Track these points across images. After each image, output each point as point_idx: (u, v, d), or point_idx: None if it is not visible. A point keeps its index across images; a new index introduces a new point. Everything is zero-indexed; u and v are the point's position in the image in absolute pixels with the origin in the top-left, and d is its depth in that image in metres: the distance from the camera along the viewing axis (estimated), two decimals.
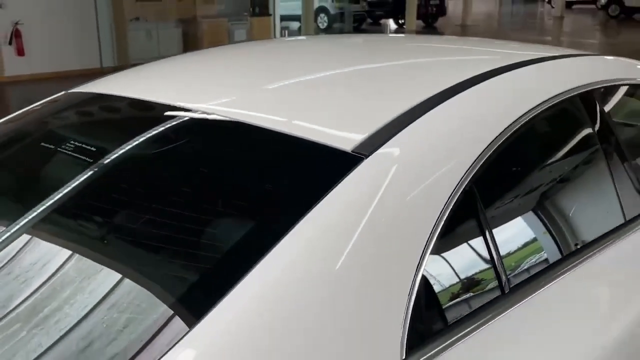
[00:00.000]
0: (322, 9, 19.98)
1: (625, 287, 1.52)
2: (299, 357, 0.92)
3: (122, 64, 10.93)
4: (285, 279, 0.98)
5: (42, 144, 1.63)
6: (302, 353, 0.92)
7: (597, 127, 1.65)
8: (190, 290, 1.07)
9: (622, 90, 1.89)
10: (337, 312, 0.98)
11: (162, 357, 0.88)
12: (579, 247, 1.50)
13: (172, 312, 1.01)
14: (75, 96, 1.77)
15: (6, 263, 1.17)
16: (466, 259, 1.25)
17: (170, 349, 0.89)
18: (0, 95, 9.86)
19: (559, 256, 1.45)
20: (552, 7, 29.48)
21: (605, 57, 2.07)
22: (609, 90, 1.77)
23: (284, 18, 15.74)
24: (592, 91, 1.65)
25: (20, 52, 10.49)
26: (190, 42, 12.07)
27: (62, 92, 1.86)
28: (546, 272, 1.35)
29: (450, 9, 25.76)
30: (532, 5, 40.40)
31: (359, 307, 1.01)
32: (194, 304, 1.01)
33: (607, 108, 1.70)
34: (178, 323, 0.97)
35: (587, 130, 1.66)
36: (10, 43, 10.40)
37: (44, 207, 1.25)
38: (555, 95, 1.51)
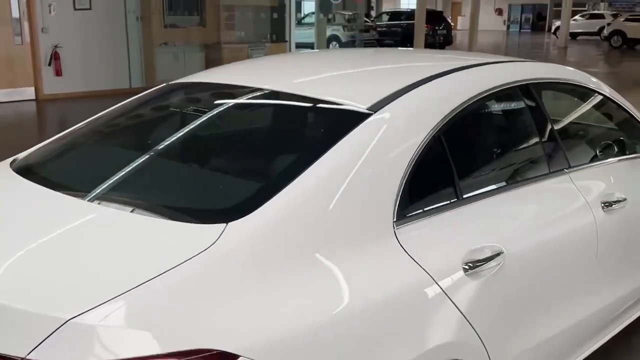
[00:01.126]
0: (334, 37, 20.98)
1: (540, 203, 2.31)
2: (321, 221, 1.66)
3: (150, 85, 11.82)
4: (324, 176, 1.74)
5: (164, 109, 2.52)
6: (322, 221, 1.66)
7: (528, 105, 2.44)
8: (264, 185, 1.84)
9: (548, 84, 2.69)
10: (349, 200, 1.73)
11: (251, 212, 1.60)
12: (511, 179, 2.30)
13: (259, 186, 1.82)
14: (174, 85, 2.60)
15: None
16: (434, 175, 2.03)
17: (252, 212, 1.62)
18: (40, 111, 10.76)
19: (498, 183, 2.24)
20: (557, 38, 30.39)
21: (537, 62, 2.89)
22: (539, 83, 2.56)
23: (298, 45, 16.69)
24: (526, 84, 2.45)
25: (58, 72, 11.42)
26: (213, 66, 12.95)
27: (164, 84, 2.67)
28: (489, 191, 2.14)
29: (457, 39, 26.75)
30: (539, 35, 41.47)
31: (366, 193, 1.78)
32: (269, 189, 1.75)
33: (537, 95, 2.49)
34: (262, 194, 1.72)
35: (521, 105, 2.46)
36: (49, 64, 11.34)
37: (179, 134, 2.18)
38: (499, 85, 2.32)
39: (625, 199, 2.62)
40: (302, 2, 21.44)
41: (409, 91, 2.06)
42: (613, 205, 2.55)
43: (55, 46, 11.29)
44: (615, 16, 30.82)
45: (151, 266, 1.44)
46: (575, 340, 2.48)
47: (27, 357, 1.27)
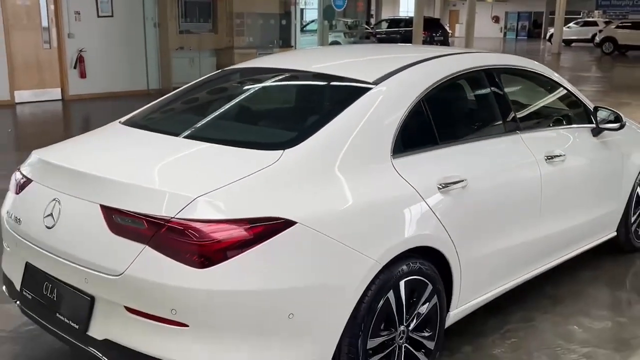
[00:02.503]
0: (335, 43, 21.93)
1: (496, 151, 3.23)
2: (341, 151, 2.55)
3: (166, 87, 12.76)
4: (345, 124, 2.64)
5: (227, 82, 3.53)
6: (342, 151, 2.55)
7: (489, 83, 3.34)
8: (305, 128, 2.72)
9: (505, 68, 3.59)
10: (361, 139, 2.62)
11: (298, 144, 2.52)
12: (474, 134, 3.23)
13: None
14: (228, 70, 3.52)
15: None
16: (419, 126, 2.91)
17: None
18: (67, 110, 11.67)
19: (464, 135, 3.16)
20: (552, 44, 31.36)
21: (496, 53, 3.82)
22: (497, 68, 3.46)
23: None
24: (488, 68, 3.36)
25: (83, 75, 12.35)
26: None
27: (220, 70, 3.58)
28: (457, 140, 3.05)
29: (455, 45, 27.67)
30: (534, 42, 42.48)
31: (373, 135, 2.67)
32: (308, 131, 2.64)
33: (497, 77, 3.39)
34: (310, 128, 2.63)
35: (484, 83, 3.35)
36: (75, 67, 12.27)
37: (243, 98, 3.18)
38: (464, 69, 3.23)
39: (564, 155, 3.52)
40: (305, 10, 22.38)
41: (401, 71, 2.97)
42: (554, 158, 3.45)
43: (80, 50, 12.24)
44: (607, 23, 31.78)
45: (241, 172, 2.34)
46: (524, 257, 3.37)
47: (175, 217, 2.16)
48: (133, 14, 12.94)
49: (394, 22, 28.52)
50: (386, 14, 41.73)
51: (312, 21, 18.14)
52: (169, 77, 13.18)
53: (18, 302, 2.73)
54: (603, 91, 15.31)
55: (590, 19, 38.45)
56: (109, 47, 12.63)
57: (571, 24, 36.41)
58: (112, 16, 12.59)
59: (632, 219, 4.33)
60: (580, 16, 41.50)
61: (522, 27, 50.65)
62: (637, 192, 4.32)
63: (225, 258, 2.14)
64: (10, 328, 3.38)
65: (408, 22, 25.84)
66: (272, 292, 2.21)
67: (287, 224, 2.23)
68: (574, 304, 3.73)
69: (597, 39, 29.63)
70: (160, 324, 2.17)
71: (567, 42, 35.32)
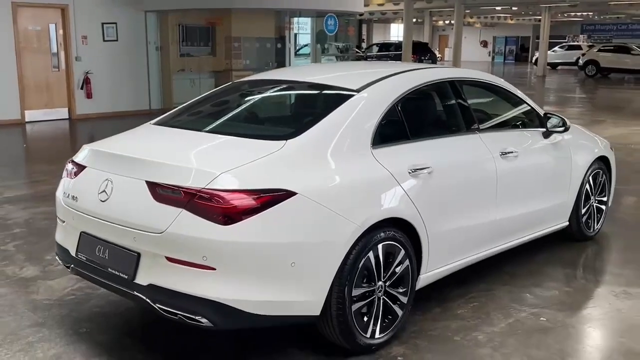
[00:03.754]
0: None
1: (457, 146, 3.94)
2: (332, 142, 3.26)
3: (167, 107, 13.49)
4: (334, 122, 3.35)
5: (238, 91, 4.24)
6: (332, 142, 3.26)
7: (452, 91, 4.07)
8: (302, 125, 3.42)
9: (466, 80, 4.33)
10: (346, 133, 3.33)
11: (297, 136, 3.22)
12: (439, 131, 3.96)
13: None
14: (237, 82, 4.26)
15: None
16: (393, 125, 3.61)
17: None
18: (74, 128, 12.37)
19: (431, 133, 3.88)
20: (537, 67, 32.40)
21: (458, 68, 4.58)
22: (460, 79, 4.20)
23: None
24: (451, 79, 4.10)
25: (89, 95, 13.08)
26: None
27: (230, 82, 4.31)
28: (425, 136, 3.76)
29: None
30: (521, 66, 43.66)
31: (356, 130, 3.38)
32: (304, 127, 3.35)
33: (459, 86, 4.12)
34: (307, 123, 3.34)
35: (447, 91, 4.07)
36: (81, 88, 13.00)
37: (251, 102, 3.90)
38: (431, 80, 3.98)
39: (517, 152, 4.24)
40: (299, 35, 23.25)
41: (379, 81, 3.70)
42: (508, 154, 4.17)
43: (87, 72, 12.98)
44: (590, 47, 32.88)
45: (253, 156, 3.04)
46: (483, 236, 4.06)
47: (204, 188, 2.85)
48: (136, 39, 13.72)
49: (384, 46, 29.56)
50: (377, 39, 42.84)
51: (306, 45, 18.98)
52: (170, 98, 13.92)
53: (72, 266, 3.40)
54: (580, 110, 16.14)
55: (575, 43, 39.64)
56: (113, 69, 13.38)
57: (556, 48, 37.54)
58: (116, 40, 13.36)
59: (582, 211, 5.04)
60: (566, 40, 42.77)
61: (509, 51, 52.02)
62: (586, 188, 5.03)
63: (243, 218, 2.83)
64: (55, 297, 4.04)
65: (398, 46, 26.85)
66: (277, 244, 2.90)
67: (289, 194, 2.93)
68: (529, 279, 4.42)
69: (581, 62, 30.60)
70: (193, 268, 2.84)
71: (553, 66, 36.42)
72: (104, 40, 13.21)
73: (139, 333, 3.66)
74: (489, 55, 52.19)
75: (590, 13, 38.93)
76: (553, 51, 36.71)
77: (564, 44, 39.61)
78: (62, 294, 4.09)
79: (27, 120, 12.34)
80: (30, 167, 8.87)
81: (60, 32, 12.72)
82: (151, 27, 13.95)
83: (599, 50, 30.31)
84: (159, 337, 3.59)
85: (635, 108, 17.60)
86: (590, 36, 45.16)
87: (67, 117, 12.99)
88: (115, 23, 13.29)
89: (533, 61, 38.96)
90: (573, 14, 39.25)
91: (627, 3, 28.81)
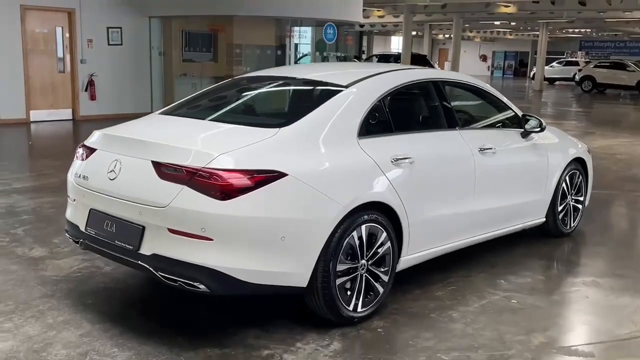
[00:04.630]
0: None
1: (438, 141, 4.27)
2: (322, 132, 3.59)
3: None
4: (324, 113, 3.67)
5: (238, 85, 4.59)
6: (323, 132, 3.59)
7: (435, 90, 4.39)
8: (294, 115, 3.75)
9: (448, 81, 4.67)
10: (335, 124, 3.66)
11: (290, 124, 3.54)
12: (422, 126, 4.29)
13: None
14: (237, 78, 4.58)
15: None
16: (379, 118, 3.94)
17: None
18: (77, 129, 12.69)
19: (413, 127, 4.21)
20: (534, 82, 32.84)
21: (440, 70, 4.95)
22: (442, 80, 4.53)
23: None
24: (434, 79, 4.43)
25: (93, 97, 13.42)
26: None
27: (232, 78, 4.64)
28: (408, 130, 4.09)
29: None
30: (520, 80, 44.13)
31: (344, 122, 3.71)
32: (296, 116, 3.68)
33: (441, 85, 4.45)
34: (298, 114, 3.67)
35: (431, 89, 4.40)
36: (85, 90, 13.34)
37: (250, 96, 4.22)
38: (414, 79, 4.32)
39: (495, 148, 4.56)
40: (299, 45, 23.67)
41: (366, 79, 4.03)
42: (486, 150, 4.49)
43: (91, 75, 13.32)
44: (587, 63, 33.32)
45: (249, 140, 3.37)
46: (462, 225, 4.37)
47: (204, 167, 3.17)
48: (140, 43, 14.08)
49: (384, 57, 29.98)
50: (378, 50, 43.34)
51: (306, 54, 19.38)
52: (172, 101, 14.01)
53: (81, 240, 3.71)
54: (573, 123, 16.49)
55: (573, 59, 40.12)
56: (117, 72, 13.73)
57: (554, 64, 38.03)
58: (121, 44, 13.72)
59: (559, 209, 5.35)
60: (564, 56, 43.28)
61: (508, 66, 52.56)
62: (563, 187, 5.35)
63: (239, 194, 3.14)
64: (62, 274, 4.35)
65: (397, 57, 27.27)
66: (269, 219, 3.22)
67: (281, 175, 3.24)
68: (506, 268, 4.72)
69: (577, 77, 31.01)
70: (193, 239, 3.16)
71: (551, 81, 36.90)
72: (109, 44, 13.56)
73: (140, 305, 3.97)
74: (488, 69, 52.71)
75: (588, 30, 39.47)
76: (551, 67, 37.20)
77: (562, 59, 40.09)
78: (69, 272, 4.39)
79: (32, 120, 12.66)
80: (36, 163, 9.19)
81: (67, 35, 13.07)
82: (155, 32, 14.31)
83: (595, 66, 30.72)
84: (158, 309, 3.90)
85: (625, 122, 18.00)
86: (588, 53, 45.66)
87: (71, 118, 13.32)
88: (120, 28, 13.66)
89: (531, 76, 39.40)
90: (571, 30, 39.79)
91: (623, 20, 29.28)
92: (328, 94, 3.87)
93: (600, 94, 29.38)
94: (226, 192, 3.13)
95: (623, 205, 7.28)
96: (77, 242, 3.79)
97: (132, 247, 3.35)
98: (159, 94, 14.49)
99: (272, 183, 3.22)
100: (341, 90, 3.87)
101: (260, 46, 15.99)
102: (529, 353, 3.37)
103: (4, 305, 3.79)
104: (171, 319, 3.73)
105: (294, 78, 4.47)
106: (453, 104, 4.54)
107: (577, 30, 39.33)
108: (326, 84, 4.09)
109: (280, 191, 3.25)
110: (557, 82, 37.46)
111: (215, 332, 3.51)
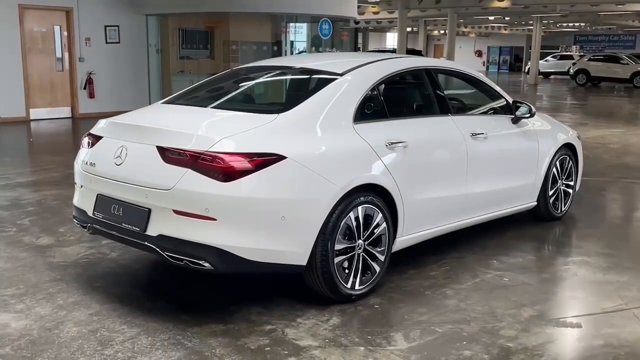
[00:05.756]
0: None
1: (431, 125, 4.43)
2: (319, 117, 3.75)
3: None
4: (321, 100, 3.83)
5: (238, 75, 4.73)
6: (320, 117, 3.74)
7: (428, 77, 4.55)
8: (292, 101, 3.92)
9: (440, 69, 4.84)
10: (332, 110, 3.81)
11: (288, 110, 3.71)
12: (415, 112, 4.44)
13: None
14: (237, 68, 4.74)
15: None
16: (374, 104, 4.10)
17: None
18: (76, 126, 12.82)
19: (407, 113, 4.36)
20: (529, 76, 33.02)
21: (431, 58, 5.12)
22: (434, 67, 4.69)
23: None
24: (426, 67, 4.59)
25: (91, 95, 13.55)
26: None
27: (231, 69, 4.79)
28: (402, 115, 4.24)
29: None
30: (515, 75, 44.32)
31: (340, 107, 3.86)
32: (294, 103, 3.84)
33: (434, 73, 4.61)
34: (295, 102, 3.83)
35: (423, 77, 4.56)
36: (84, 88, 13.47)
37: (250, 84, 4.35)
38: (407, 67, 4.47)
39: (486, 134, 4.72)
40: (295, 42, 23.81)
41: (361, 67, 4.19)
42: (477, 135, 4.65)
43: (90, 73, 13.45)
44: (581, 57, 33.51)
45: (249, 126, 3.52)
46: (455, 207, 4.53)
47: (207, 151, 3.33)
48: (138, 41, 14.21)
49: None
50: (373, 47, 43.51)
51: (303, 51, 19.54)
52: None
53: (89, 224, 3.86)
54: (567, 114, 16.66)
55: (567, 53, 40.31)
56: (115, 70, 13.87)
57: (549, 58, 38.22)
58: (119, 42, 13.86)
59: (550, 193, 5.52)
60: (559, 50, 43.47)
61: (503, 61, 52.74)
62: (553, 172, 5.51)
63: (240, 176, 3.30)
64: (70, 260, 4.50)
65: (392, 53, 27.40)
66: (269, 200, 3.37)
67: (280, 157, 3.40)
68: (498, 249, 4.89)
69: (571, 71, 31.19)
70: (197, 219, 3.31)
71: (546, 75, 37.08)
72: (107, 43, 13.69)
73: (146, 287, 4.12)
74: (483, 64, 52.90)
75: (582, 24, 39.68)
76: (545, 61, 37.39)
77: (557, 53, 40.28)
78: (77, 258, 4.54)
79: (31, 118, 12.80)
80: (37, 158, 9.33)
81: (65, 34, 13.20)
82: (152, 30, 14.44)
83: (589, 60, 30.92)
84: (163, 291, 4.05)
85: (618, 114, 18.18)
86: (582, 47, 45.90)
87: (70, 115, 13.45)
88: (118, 26, 13.78)
89: (526, 70, 39.61)
90: (565, 24, 40.00)
91: (616, 13, 29.49)
92: (324, 82, 4.03)
93: (594, 87, 29.58)
94: (228, 174, 3.29)
95: (613, 192, 7.45)
96: (85, 227, 3.94)
97: (139, 229, 3.50)
98: (157, 91, 14.62)
99: (272, 165, 3.37)
100: (336, 78, 4.03)
101: (256, 42, 16.12)
102: (519, 325, 3.54)
103: (15, 288, 3.95)
104: (176, 300, 3.88)
105: (292, 67, 4.65)
106: (446, 92, 4.71)
107: (571, 24, 39.54)
108: (322, 72, 4.25)
109: (280, 173, 3.40)
110: (551, 76, 37.66)
111: (219, 310, 3.66)
